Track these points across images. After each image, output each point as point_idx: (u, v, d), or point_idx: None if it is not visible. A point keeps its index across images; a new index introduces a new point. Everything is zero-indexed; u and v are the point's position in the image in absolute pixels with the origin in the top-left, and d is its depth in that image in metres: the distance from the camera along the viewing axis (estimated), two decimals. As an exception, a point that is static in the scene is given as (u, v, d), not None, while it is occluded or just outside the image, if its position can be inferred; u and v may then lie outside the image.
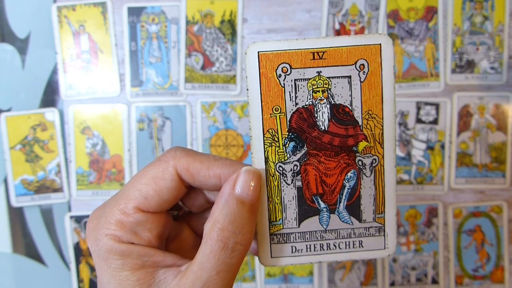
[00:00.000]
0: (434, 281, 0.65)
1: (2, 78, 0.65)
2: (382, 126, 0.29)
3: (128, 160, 0.64)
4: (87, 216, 0.64)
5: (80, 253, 0.65)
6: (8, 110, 0.65)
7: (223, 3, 0.63)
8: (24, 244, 0.67)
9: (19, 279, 0.66)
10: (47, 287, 0.67)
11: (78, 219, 0.65)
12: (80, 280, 0.66)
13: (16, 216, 0.66)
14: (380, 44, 0.28)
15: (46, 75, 0.65)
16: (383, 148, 0.29)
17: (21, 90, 0.65)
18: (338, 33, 0.63)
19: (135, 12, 0.63)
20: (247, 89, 0.28)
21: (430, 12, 0.63)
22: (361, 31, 0.63)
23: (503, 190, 0.64)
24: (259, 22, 0.63)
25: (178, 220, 0.32)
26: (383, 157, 0.29)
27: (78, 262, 0.65)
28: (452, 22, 0.63)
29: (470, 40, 0.63)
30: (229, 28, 0.63)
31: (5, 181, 0.65)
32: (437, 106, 0.63)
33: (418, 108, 0.63)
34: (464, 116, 0.64)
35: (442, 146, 0.64)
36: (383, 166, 0.29)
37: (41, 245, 0.67)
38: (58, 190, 0.65)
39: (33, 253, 0.67)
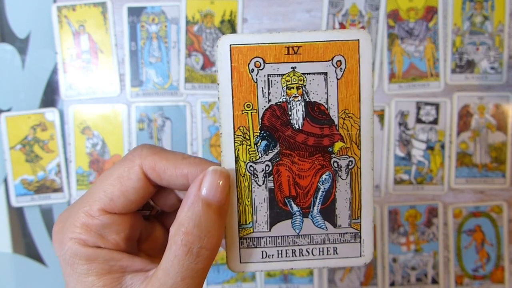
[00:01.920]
0: (434, 281, 0.65)
1: (2, 78, 0.65)
2: (359, 126, 0.27)
3: (128, 160, 0.64)
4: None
5: (80, 253, 0.65)
6: (8, 110, 0.65)
7: (223, 3, 0.63)
8: (24, 244, 0.67)
9: (19, 279, 0.66)
10: (47, 287, 0.67)
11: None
12: (80, 280, 0.66)
13: (16, 216, 0.66)
14: (358, 40, 0.26)
15: (46, 75, 0.65)
16: (360, 149, 0.27)
17: (21, 90, 0.65)
18: (338, 33, 0.63)
19: (135, 12, 0.63)
20: (218, 84, 0.27)
21: (430, 12, 0.63)
22: (361, 31, 0.63)
23: (503, 190, 0.64)
24: (259, 22, 0.63)
25: (151, 220, 0.31)
26: (360, 159, 0.27)
27: (78, 262, 0.65)
28: (452, 22, 0.63)
29: (470, 40, 0.63)
30: (229, 28, 0.63)
31: (5, 181, 0.65)
32: (437, 106, 0.63)
33: (418, 108, 0.63)
34: (464, 116, 0.64)
35: (442, 146, 0.64)
36: (360, 168, 0.27)
37: (41, 245, 0.67)
38: (58, 190, 0.65)
39: (33, 253, 0.66)
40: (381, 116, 0.64)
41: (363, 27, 0.63)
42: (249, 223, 0.28)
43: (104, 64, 0.64)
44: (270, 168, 0.27)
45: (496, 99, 0.63)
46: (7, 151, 0.65)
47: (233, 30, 0.63)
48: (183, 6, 0.63)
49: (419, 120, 0.64)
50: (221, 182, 0.26)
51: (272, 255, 0.28)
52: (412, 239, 0.65)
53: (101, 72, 0.64)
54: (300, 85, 0.27)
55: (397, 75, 0.63)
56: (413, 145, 0.64)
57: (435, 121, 0.64)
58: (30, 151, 0.65)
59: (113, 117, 0.64)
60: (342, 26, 0.63)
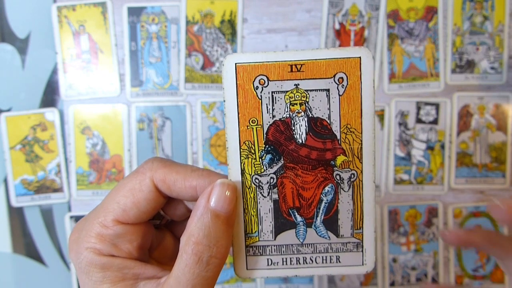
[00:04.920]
0: (434, 281, 0.65)
1: (2, 78, 0.65)
2: (361, 140, 0.28)
3: (128, 160, 0.64)
4: (87, 216, 0.64)
5: (80, 253, 0.65)
6: (8, 110, 0.65)
7: (223, 3, 0.63)
8: (24, 244, 0.67)
9: (19, 279, 0.66)
10: (47, 287, 0.67)
11: (78, 219, 0.65)
12: (80, 280, 0.66)
13: (16, 216, 0.66)
14: (359, 58, 0.27)
15: (46, 75, 0.65)
16: (361, 163, 0.28)
17: (21, 90, 0.65)
18: (338, 33, 0.63)
19: (135, 12, 0.63)
20: (224, 101, 0.28)
21: (430, 12, 0.63)
22: (361, 31, 0.63)
23: (503, 190, 0.64)
24: (259, 22, 0.63)
25: (161, 229, 0.32)
26: (361, 172, 0.28)
27: (78, 262, 0.65)
28: (452, 22, 0.63)
29: (470, 40, 0.63)
30: (229, 28, 0.63)
31: (5, 181, 0.65)
32: (437, 106, 0.63)
33: (418, 108, 0.63)
34: (464, 116, 0.64)
35: (442, 146, 0.64)
36: (362, 181, 0.29)
37: (41, 245, 0.67)
38: (58, 190, 0.65)
39: (33, 253, 0.67)
40: (381, 116, 0.64)
41: (363, 27, 0.63)
42: (255, 232, 0.29)
43: (104, 64, 0.64)
44: (275, 181, 0.29)
45: (496, 99, 0.63)
46: (7, 151, 0.65)
47: (233, 30, 0.63)
48: (183, 6, 0.63)
49: (419, 120, 0.64)
50: (228, 194, 0.27)
51: (277, 262, 0.29)
52: (412, 239, 0.65)
53: (101, 72, 0.64)
54: (303, 101, 0.28)
55: (397, 75, 0.63)
56: (413, 145, 0.64)
57: (435, 121, 0.64)
58: (30, 151, 0.65)
59: (113, 117, 0.64)
60: (342, 26, 0.63)
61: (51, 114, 0.65)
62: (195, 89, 0.64)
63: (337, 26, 0.63)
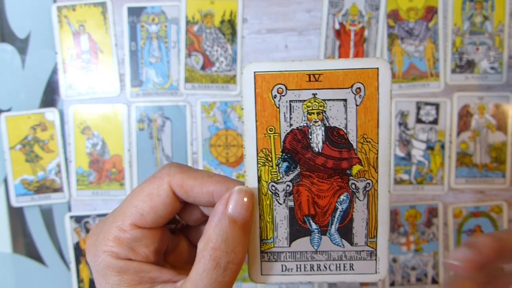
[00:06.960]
0: (434, 281, 0.65)
1: (2, 78, 0.65)
2: (377, 150, 0.28)
3: (128, 160, 0.64)
4: (87, 216, 0.64)
5: (80, 253, 0.65)
6: (8, 110, 0.65)
7: (223, 3, 0.63)
8: (24, 244, 0.67)
9: (19, 279, 0.66)
10: (47, 287, 0.67)
11: (78, 219, 0.65)
12: (80, 280, 0.66)
13: (16, 216, 0.66)
14: (377, 68, 0.27)
15: (46, 75, 0.65)
16: (377, 172, 0.29)
17: (21, 90, 0.65)
18: (338, 33, 0.63)
19: (135, 12, 0.63)
20: (242, 109, 0.28)
21: (430, 12, 0.63)
22: (361, 31, 0.63)
23: (503, 190, 0.64)
24: (259, 22, 0.63)
25: (176, 233, 0.33)
26: (377, 181, 0.29)
27: (78, 262, 0.65)
28: (452, 22, 0.63)
29: (470, 40, 0.63)
30: (229, 28, 0.63)
31: (5, 181, 0.65)
32: (437, 106, 0.63)
33: (418, 108, 0.64)
34: (464, 116, 0.64)
35: (442, 146, 0.64)
36: (377, 190, 0.29)
37: (41, 245, 0.67)
38: (58, 190, 0.65)
39: (33, 253, 0.67)
40: (381, 116, 0.64)
41: (363, 27, 0.63)
42: (270, 238, 0.30)
43: (104, 64, 0.64)
44: (291, 188, 0.29)
45: (496, 99, 0.63)
46: (7, 151, 0.65)
47: (233, 30, 0.63)
48: (183, 6, 0.63)
49: (419, 120, 0.64)
50: (246, 201, 0.27)
51: (292, 269, 0.30)
52: (412, 239, 0.65)
53: (101, 72, 0.64)
54: (321, 111, 0.28)
55: (397, 75, 0.63)
56: (413, 145, 0.64)
57: (435, 121, 0.64)
58: (30, 151, 0.65)
59: (113, 117, 0.64)
60: (342, 26, 0.63)
61: (51, 114, 0.65)
62: (195, 89, 0.64)
63: (337, 26, 0.63)
